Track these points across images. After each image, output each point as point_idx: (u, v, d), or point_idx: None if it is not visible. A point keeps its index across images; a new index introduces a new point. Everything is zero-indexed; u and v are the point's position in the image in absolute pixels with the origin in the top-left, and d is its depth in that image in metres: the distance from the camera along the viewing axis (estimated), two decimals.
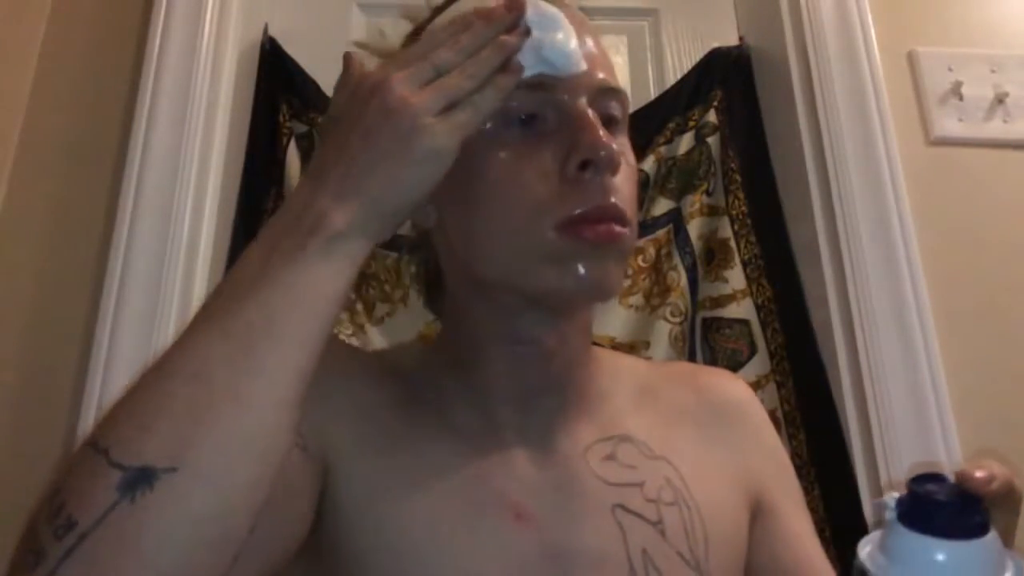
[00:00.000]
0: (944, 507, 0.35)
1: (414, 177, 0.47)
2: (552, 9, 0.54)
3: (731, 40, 1.29)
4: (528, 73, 0.52)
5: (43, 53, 1.16)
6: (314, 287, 0.45)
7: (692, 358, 1.12)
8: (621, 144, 0.58)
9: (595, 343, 1.02)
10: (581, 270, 0.53)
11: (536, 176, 0.54)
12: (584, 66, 0.55)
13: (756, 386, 1.10)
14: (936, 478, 0.37)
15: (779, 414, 1.08)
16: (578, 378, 0.63)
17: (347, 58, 0.54)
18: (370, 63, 0.55)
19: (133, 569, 0.38)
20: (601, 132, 0.53)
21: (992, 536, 0.35)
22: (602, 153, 0.52)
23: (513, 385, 0.61)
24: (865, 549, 0.37)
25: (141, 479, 0.38)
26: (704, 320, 1.14)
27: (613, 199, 0.53)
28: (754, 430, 0.69)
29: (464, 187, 0.55)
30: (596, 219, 0.53)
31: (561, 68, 0.54)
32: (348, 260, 0.47)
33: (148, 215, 1.04)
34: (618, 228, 0.54)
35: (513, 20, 0.50)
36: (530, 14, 0.52)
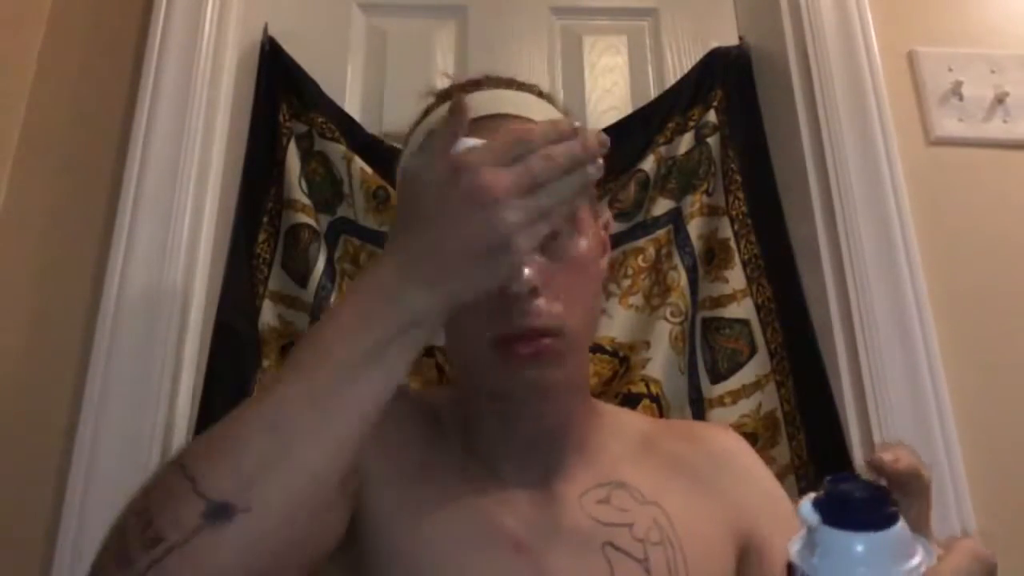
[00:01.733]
0: (857, 503, 0.39)
1: (490, 283, 0.51)
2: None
3: (731, 40, 1.29)
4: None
5: (42, 53, 1.16)
6: (393, 373, 0.50)
7: (692, 358, 1.12)
8: (559, 248, 0.64)
9: (597, 345, 1.03)
10: (524, 376, 0.62)
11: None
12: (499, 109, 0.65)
13: (756, 386, 1.10)
14: (850, 477, 0.41)
15: (779, 414, 1.08)
16: (575, 431, 0.70)
17: (456, 111, 0.53)
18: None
19: None
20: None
21: (901, 524, 0.39)
22: (514, 287, 0.59)
23: (508, 439, 0.68)
24: (795, 548, 0.41)
25: (221, 513, 0.44)
26: (704, 320, 1.14)
27: (537, 321, 0.61)
28: (745, 474, 0.74)
29: None
30: (526, 338, 0.61)
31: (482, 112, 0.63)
32: (420, 345, 0.51)
33: (148, 215, 1.04)
34: (547, 341, 0.62)
35: (598, 153, 0.51)
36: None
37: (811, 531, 0.40)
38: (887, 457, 0.44)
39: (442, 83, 1.28)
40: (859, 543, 0.38)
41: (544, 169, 0.49)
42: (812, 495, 0.40)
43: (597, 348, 1.09)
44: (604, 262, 0.74)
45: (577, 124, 0.52)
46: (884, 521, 0.38)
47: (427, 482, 0.65)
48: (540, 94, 0.74)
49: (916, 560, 0.38)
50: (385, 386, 0.49)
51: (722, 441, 0.77)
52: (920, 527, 0.43)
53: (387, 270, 0.50)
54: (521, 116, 0.68)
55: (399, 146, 1.16)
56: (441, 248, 0.49)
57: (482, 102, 0.68)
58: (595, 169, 0.51)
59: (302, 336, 0.51)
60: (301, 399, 0.47)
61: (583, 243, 0.67)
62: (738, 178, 1.19)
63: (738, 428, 1.05)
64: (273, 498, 0.46)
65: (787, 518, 0.71)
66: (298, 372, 0.49)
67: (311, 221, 1.13)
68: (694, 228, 1.18)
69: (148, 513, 0.46)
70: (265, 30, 1.21)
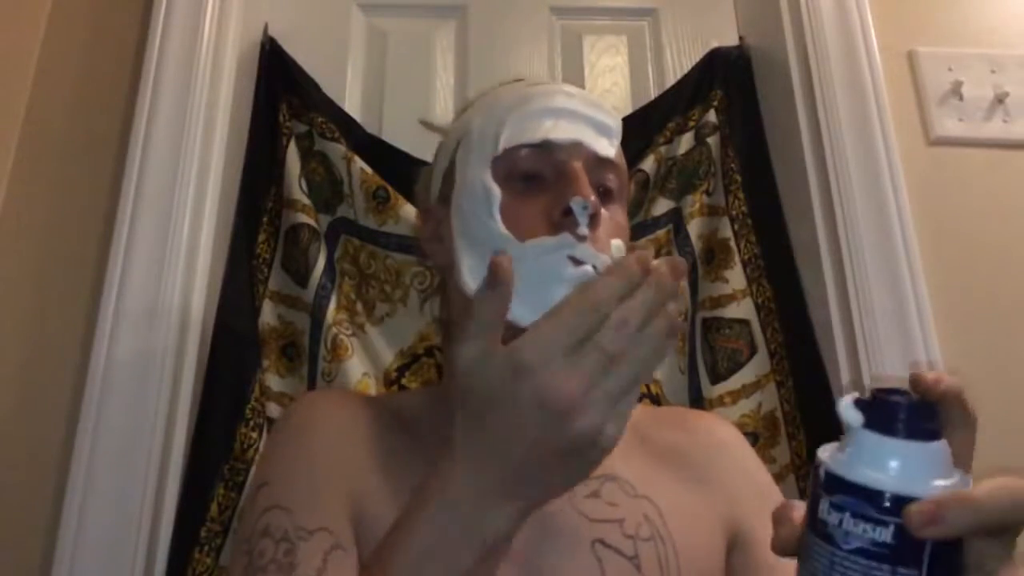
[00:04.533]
0: (900, 409, 0.38)
1: (576, 482, 0.47)
2: (556, 96, 0.68)
3: (731, 40, 1.29)
4: (538, 138, 0.65)
5: (43, 53, 1.16)
6: None
7: (692, 358, 1.12)
8: (612, 211, 0.67)
9: None
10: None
11: (530, 221, 0.62)
12: (579, 138, 0.65)
13: (756, 386, 1.10)
14: (898, 391, 0.40)
15: (779, 414, 1.08)
16: None
17: (497, 279, 0.47)
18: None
19: None
20: (586, 187, 0.62)
21: (942, 444, 0.38)
22: (581, 200, 0.60)
23: None
24: (826, 452, 0.40)
25: None
26: (704, 320, 1.14)
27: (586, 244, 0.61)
28: (737, 463, 0.74)
29: (466, 219, 0.65)
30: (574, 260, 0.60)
31: (561, 135, 0.65)
32: (500, 556, 0.49)
33: (148, 215, 1.04)
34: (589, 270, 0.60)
35: (677, 287, 0.46)
36: (534, 96, 0.67)
37: (847, 434, 0.39)
38: (929, 376, 0.43)
39: (442, 83, 1.29)
40: (895, 450, 0.37)
41: (621, 341, 0.43)
42: (854, 394, 0.39)
43: None
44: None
45: (648, 257, 0.45)
46: (925, 434, 0.37)
47: (408, 490, 0.64)
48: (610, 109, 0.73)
49: (949, 482, 0.37)
50: None
51: (716, 431, 0.77)
52: (963, 464, 0.42)
53: (458, 487, 0.46)
54: (594, 149, 0.67)
55: (399, 146, 1.17)
56: (514, 459, 0.45)
57: (553, 122, 0.67)
58: (676, 307, 0.45)
59: (372, 564, 0.49)
60: None
61: (626, 225, 0.69)
62: (738, 178, 1.19)
63: (738, 428, 1.04)
64: None
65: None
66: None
67: (311, 221, 1.13)
68: (694, 228, 1.18)
69: None
70: (265, 30, 1.21)
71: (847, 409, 0.39)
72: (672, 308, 0.45)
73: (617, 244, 0.63)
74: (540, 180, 0.65)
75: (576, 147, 0.66)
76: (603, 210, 0.63)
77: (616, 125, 0.70)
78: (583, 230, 0.60)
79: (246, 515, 0.64)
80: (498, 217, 0.63)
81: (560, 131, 0.65)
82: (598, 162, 0.67)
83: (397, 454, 0.67)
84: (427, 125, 0.91)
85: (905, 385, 0.45)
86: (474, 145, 0.68)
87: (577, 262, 0.59)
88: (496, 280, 0.46)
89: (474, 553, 0.46)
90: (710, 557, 0.66)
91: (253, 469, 1.00)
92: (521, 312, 0.52)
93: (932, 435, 0.38)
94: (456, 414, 0.48)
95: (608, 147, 0.68)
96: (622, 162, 0.71)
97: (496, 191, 0.64)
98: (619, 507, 0.65)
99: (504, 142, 0.66)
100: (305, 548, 0.57)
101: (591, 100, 0.70)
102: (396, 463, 0.66)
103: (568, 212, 0.61)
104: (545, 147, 0.65)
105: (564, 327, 0.44)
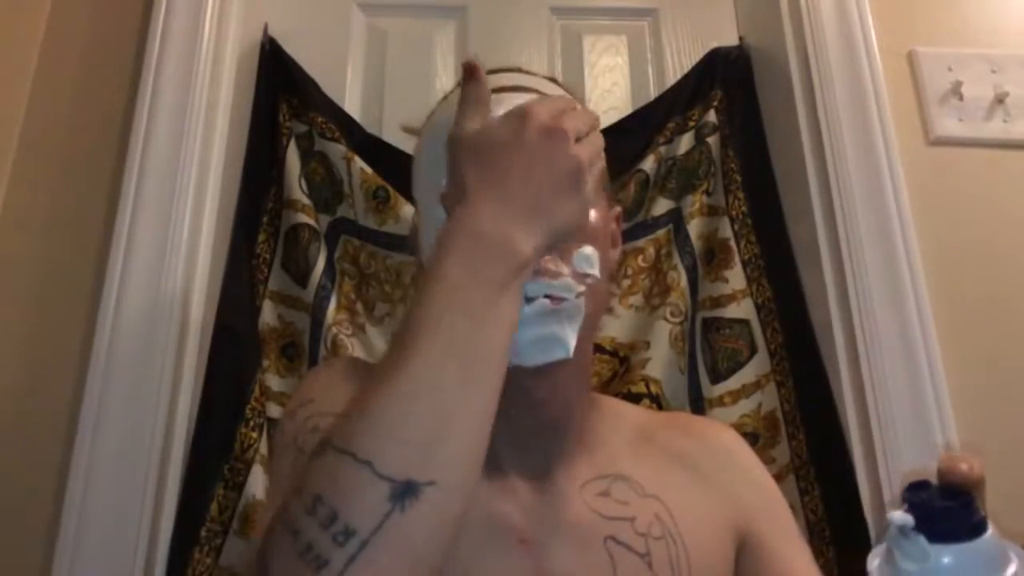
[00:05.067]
0: (941, 513, 0.37)
1: (575, 216, 0.55)
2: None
3: (731, 40, 1.29)
4: None
5: (43, 53, 1.16)
6: (510, 321, 0.51)
7: (692, 358, 1.12)
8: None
9: (597, 345, 1.03)
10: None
11: None
12: None
13: (756, 386, 1.10)
14: (926, 485, 0.39)
15: (779, 414, 1.08)
16: (576, 421, 0.69)
17: (470, 75, 0.59)
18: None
19: (410, 569, 0.44)
20: None
21: (991, 532, 0.37)
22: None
23: (508, 427, 0.64)
24: (874, 563, 0.40)
25: (408, 491, 0.44)
26: (704, 320, 1.14)
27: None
28: (743, 470, 0.74)
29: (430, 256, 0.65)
30: None
31: None
32: (522, 289, 0.53)
33: (148, 215, 1.04)
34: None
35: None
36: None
37: (892, 544, 0.38)
38: (963, 468, 0.42)
39: (442, 83, 1.29)
40: (946, 555, 0.36)
41: (582, 122, 0.55)
42: (896, 512, 0.39)
43: (597, 348, 1.09)
44: (615, 254, 0.73)
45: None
46: (973, 530, 0.37)
47: None
48: (547, 78, 0.75)
49: (1012, 569, 0.36)
50: (507, 336, 0.51)
51: (722, 438, 0.77)
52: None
53: (484, 218, 0.52)
54: (534, 89, 0.69)
55: (399, 146, 1.17)
56: (533, 184, 0.53)
57: (496, 80, 0.69)
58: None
59: (411, 306, 0.50)
60: (440, 357, 0.47)
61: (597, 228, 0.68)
62: (738, 178, 1.19)
63: (738, 428, 1.05)
64: (450, 465, 0.46)
65: (783, 517, 0.72)
66: (426, 334, 0.48)
67: (311, 221, 1.13)
68: (694, 228, 1.18)
69: (326, 507, 0.44)
70: (265, 30, 1.21)
71: (903, 525, 0.38)
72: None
73: (585, 254, 0.62)
74: None
75: None
76: None
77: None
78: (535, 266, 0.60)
79: (283, 431, 0.64)
80: None
81: None
82: None
83: None
84: (408, 130, 0.90)
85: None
86: (424, 177, 0.69)
87: (529, 300, 0.58)
88: (472, 76, 0.58)
89: (507, 272, 0.51)
90: (719, 558, 0.66)
91: (253, 469, 1.00)
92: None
93: (981, 527, 0.37)
94: (463, 173, 0.55)
95: None
96: None
97: None
98: (630, 505, 0.65)
99: (447, 176, 0.65)
100: None
101: (535, 98, 0.69)
102: None
103: None
104: None
105: (549, 102, 0.57)
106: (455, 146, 0.57)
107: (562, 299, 0.58)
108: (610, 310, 1.11)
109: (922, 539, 0.37)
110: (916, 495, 0.38)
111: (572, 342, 0.59)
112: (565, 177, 0.54)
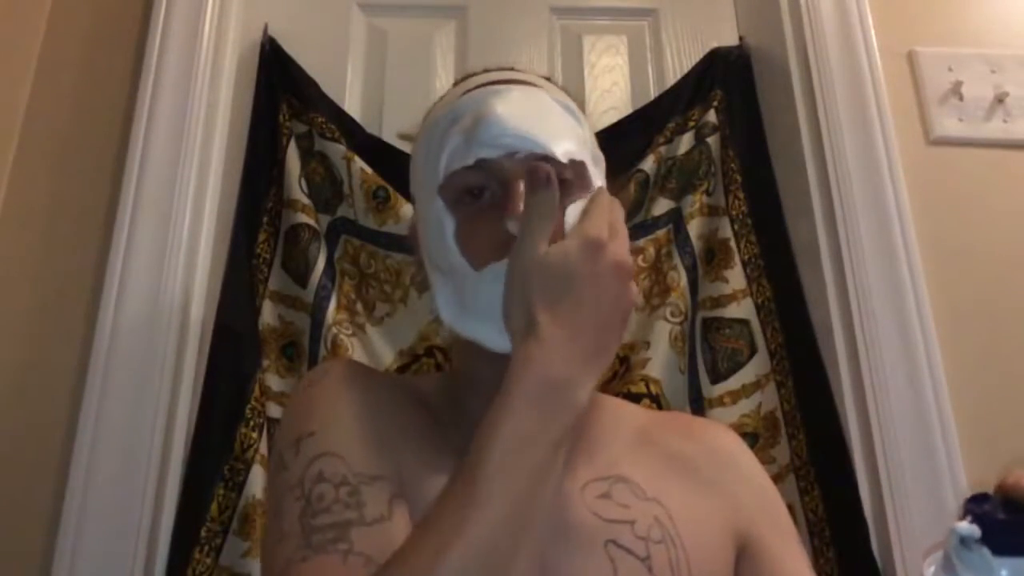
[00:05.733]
0: (1005, 526, 0.38)
1: (619, 344, 0.57)
2: (484, 104, 0.65)
3: (731, 40, 1.29)
4: (471, 159, 0.63)
5: (43, 53, 1.16)
6: (560, 470, 0.53)
7: (692, 358, 1.12)
8: (572, 205, 0.64)
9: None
10: None
11: (482, 246, 0.62)
12: (512, 144, 0.63)
13: (756, 386, 1.10)
14: (986, 497, 0.40)
15: (779, 414, 1.08)
16: (576, 421, 0.66)
17: (599, 201, 0.61)
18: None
19: None
20: (518, 205, 0.60)
21: None
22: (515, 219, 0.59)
23: None
24: (929, 570, 0.40)
25: None
26: (704, 320, 1.14)
27: None
28: (744, 474, 0.74)
29: (430, 251, 0.67)
30: None
31: (493, 151, 0.63)
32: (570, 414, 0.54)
33: (148, 215, 1.04)
34: None
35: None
36: (463, 108, 0.66)
37: (950, 554, 0.39)
38: (1010, 481, 0.43)
39: (442, 83, 1.29)
40: (1004, 568, 0.37)
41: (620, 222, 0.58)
42: (965, 519, 0.40)
43: None
44: None
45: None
46: None
47: (430, 473, 0.63)
48: (544, 78, 0.75)
49: None
50: (551, 492, 0.53)
51: (723, 441, 0.77)
52: None
53: (555, 360, 0.53)
54: (531, 82, 0.70)
55: (399, 146, 1.17)
56: (601, 320, 0.54)
57: (492, 76, 0.71)
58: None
59: (481, 437, 0.53)
60: (502, 521, 0.49)
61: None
62: (738, 178, 1.19)
63: (738, 428, 1.05)
64: None
65: (784, 522, 0.72)
66: (493, 490, 0.50)
67: (311, 221, 1.13)
68: (694, 228, 1.18)
69: None
70: (265, 30, 1.21)
71: (969, 536, 0.39)
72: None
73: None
74: (488, 191, 0.65)
75: (510, 156, 0.63)
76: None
77: (563, 104, 0.68)
78: None
79: (285, 467, 0.61)
80: (453, 246, 0.64)
81: (492, 144, 0.63)
82: (543, 160, 0.63)
83: (417, 427, 0.67)
84: (405, 137, 0.91)
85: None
86: (421, 173, 0.69)
87: None
88: (538, 182, 0.57)
89: (569, 419, 0.52)
90: (719, 562, 0.66)
91: (253, 468, 1.00)
92: (487, 334, 0.60)
93: None
94: (533, 301, 0.54)
95: (551, 139, 0.64)
96: (572, 148, 0.66)
97: (448, 221, 0.65)
98: (630, 509, 0.65)
99: (443, 169, 0.66)
100: (369, 491, 0.57)
101: (530, 90, 0.68)
102: (418, 433, 0.66)
103: (511, 237, 0.60)
104: (481, 166, 0.64)
105: (606, 219, 0.56)
106: (525, 266, 0.56)
107: None
108: None
109: (986, 551, 0.38)
110: (979, 507, 0.39)
111: None
112: (625, 315, 0.55)
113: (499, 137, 0.63)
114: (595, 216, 0.58)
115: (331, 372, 0.69)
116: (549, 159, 0.63)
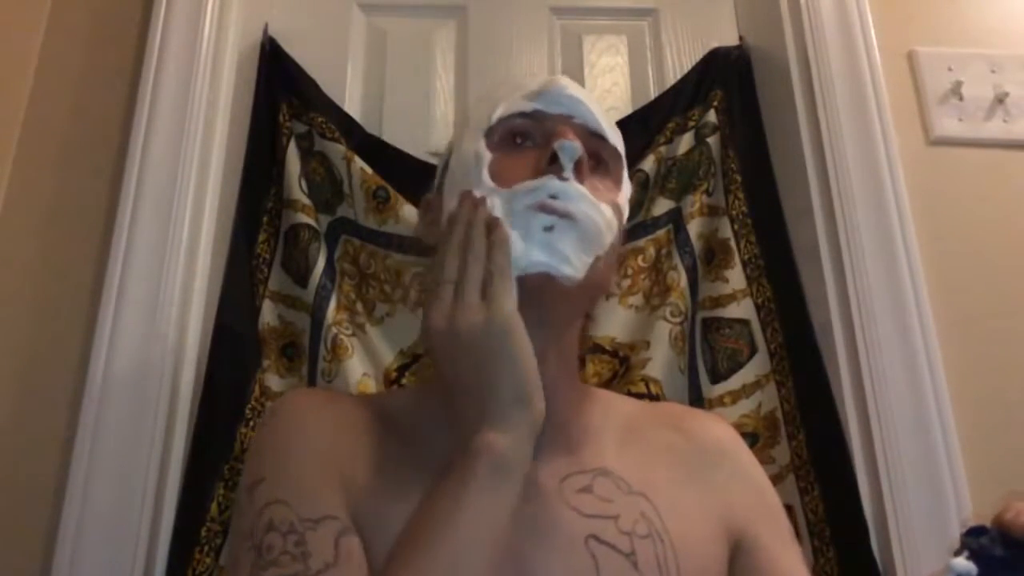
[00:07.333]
0: (1003, 562, 0.38)
1: (527, 360, 0.58)
2: (553, 78, 0.72)
3: (731, 40, 1.29)
4: (529, 108, 0.68)
5: (43, 53, 1.16)
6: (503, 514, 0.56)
7: (692, 358, 1.12)
8: (604, 183, 0.68)
9: (596, 345, 1.02)
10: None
11: (517, 172, 0.64)
12: (572, 109, 0.69)
13: (756, 386, 1.10)
14: (983, 530, 0.40)
15: (779, 414, 1.08)
16: (559, 412, 0.65)
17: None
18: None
19: None
20: (573, 136, 0.65)
21: None
22: (566, 144, 0.63)
23: None
24: None
25: None
26: (704, 320, 1.14)
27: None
28: (738, 469, 0.72)
29: (469, 185, 0.66)
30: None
31: (553, 107, 0.68)
32: (516, 478, 0.57)
33: (148, 215, 1.04)
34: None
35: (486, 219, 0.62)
36: (529, 83, 0.71)
37: None
38: (1008, 516, 0.43)
39: (442, 83, 1.29)
40: None
41: (453, 264, 0.62)
42: (957, 559, 0.40)
43: (597, 348, 1.09)
44: (621, 248, 0.74)
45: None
46: None
47: (400, 489, 0.62)
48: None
49: None
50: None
51: (714, 432, 0.75)
52: None
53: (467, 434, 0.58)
54: (584, 122, 0.71)
55: (399, 146, 1.17)
56: (473, 389, 0.59)
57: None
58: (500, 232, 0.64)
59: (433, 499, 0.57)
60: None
61: (616, 200, 0.70)
62: (738, 178, 1.19)
63: (738, 428, 1.04)
64: None
65: (779, 519, 0.71)
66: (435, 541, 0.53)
67: (311, 221, 1.13)
68: (694, 228, 1.18)
69: None
70: (265, 30, 1.21)
71: (967, 574, 0.39)
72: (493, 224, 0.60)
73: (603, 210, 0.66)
74: (531, 140, 0.68)
75: (566, 118, 0.68)
76: (592, 174, 0.67)
77: (608, 123, 0.72)
78: (567, 173, 0.63)
79: (243, 513, 0.62)
80: (486, 177, 0.65)
81: (551, 104, 0.69)
82: (588, 135, 0.69)
83: (382, 450, 0.65)
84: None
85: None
86: (470, 123, 0.71)
87: (551, 210, 0.62)
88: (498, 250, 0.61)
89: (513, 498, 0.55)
90: (710, 559, 0.64)
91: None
92: (520, 247, 0.61)
93: None
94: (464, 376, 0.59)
95: (599, 123, 0.70)
96: (616, 143, 0.72)
97: (487, 154, 0.67)
98: (613, 503, 0.63)
99: (497, 115, 0.69)
100: (314, 537, 0.57)
101: (587, 94, 0.73)
102: (382, 458, 0.64)
103: (554, 159, 0.63)
104: (536, 116, 0.68)
105: (433, 282, 0.60)
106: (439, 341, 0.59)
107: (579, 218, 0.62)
108: (607, 297, 1.10)
109: None
110: (975, 541, 0.39)
111: (579, 266, 0.62)
112: (487, 356, 0.58)
113: (562, 98, 0.69)
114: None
115: (280, 412, 0.69)
116: (599, 135, 0.69)
